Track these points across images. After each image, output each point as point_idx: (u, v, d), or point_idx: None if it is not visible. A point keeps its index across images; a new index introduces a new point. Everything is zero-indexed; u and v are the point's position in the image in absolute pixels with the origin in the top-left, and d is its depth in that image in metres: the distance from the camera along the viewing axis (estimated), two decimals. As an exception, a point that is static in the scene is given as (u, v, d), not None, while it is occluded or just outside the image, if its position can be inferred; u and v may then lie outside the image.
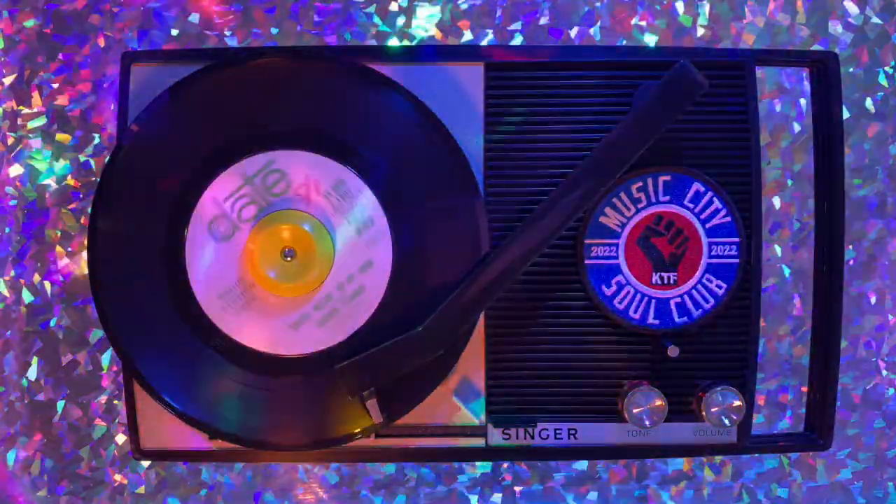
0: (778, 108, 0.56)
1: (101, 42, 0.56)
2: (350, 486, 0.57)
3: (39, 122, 0.56)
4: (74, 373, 0.56)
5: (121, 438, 0.56)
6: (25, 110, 0.56)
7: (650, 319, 0.47)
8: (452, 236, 0.44)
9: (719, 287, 0.47)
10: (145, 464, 0.56)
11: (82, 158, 0.56)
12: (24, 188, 0.56)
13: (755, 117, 0.46)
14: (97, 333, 0.56)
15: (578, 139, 0.46)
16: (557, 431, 0.48)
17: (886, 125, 0.56)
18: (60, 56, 0.56)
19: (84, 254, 0.56)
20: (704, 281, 0.47)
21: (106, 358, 0.56)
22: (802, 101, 0.56)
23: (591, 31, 0.56)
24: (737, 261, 0.46)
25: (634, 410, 0.46)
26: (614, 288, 0.47)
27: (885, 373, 0.57)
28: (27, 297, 0.56)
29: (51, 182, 0.56)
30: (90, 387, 0.56)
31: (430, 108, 0.44)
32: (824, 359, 0.48)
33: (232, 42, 0.56)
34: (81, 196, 0.56)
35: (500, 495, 0.57)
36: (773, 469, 0.57)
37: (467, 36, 0.56)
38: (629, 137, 0.43)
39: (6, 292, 0.56)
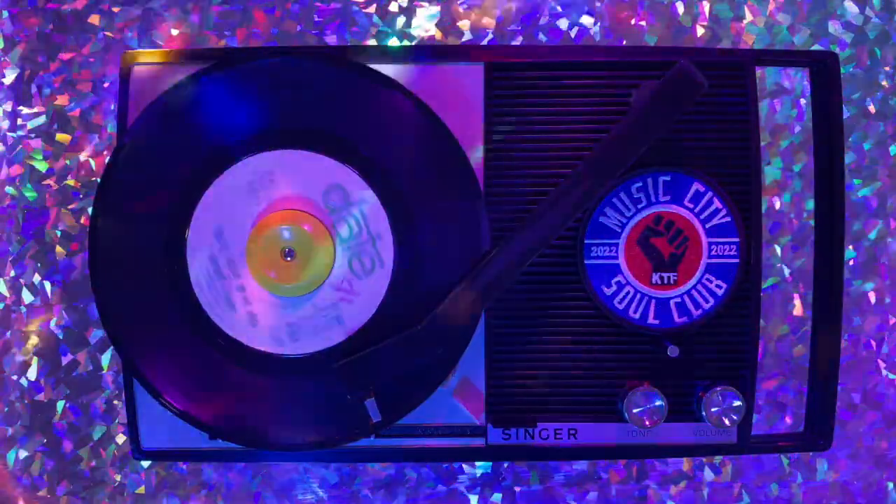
0: (778, 108, 0.56)
1: (101, 42, 0.56)
2: (350, 486, 0.57)
3: (39, 122, 0.56)
4: (74, 373, 0.56)
5: (121, 438, 0.56)
6: (25, 110, 0.56)
7: (650, 319, 0.47)
8: (453, 236, 0.44)
9: (719, 287, 0.47)
10: (145, 464, 0.56)
11: (82, 158, 0.56)
12: (24, 188, 0.56)
13: (755, 117, 0.46)
14: (97, 333, 0.56)
15: (578, 139, 0.46)
16: (557, 431, 0.48)
17: (886, 125, 0.56)
18: (60, 56, 0.56)
19: (84, 254, 0.56)
20: (704, 281, 0.47)
21: (106, 358, 0.56)
22: (802, 101, 0.56)
23: (591, 31, 0.56)
24: (737, 261, 0.46)
25: (634, 410, 0.46)
26: (614, 288, 0.47)
27: (885, 373, 0.57)
28: (27, 297, 0.56)
29: (51, 182, 0.56)
30: (90, 387, 0.56)
31: (430, 108, 0.44)
32: (824, 359, 0.48)
33: (232, 42, 0.56)
34: (81, 196, 0.56)
35: (500, 495, 0.57)
36: (773, 469, 0.57)
37: (467, 36, 0.56)
38: (629, 137, 0.43)
39: (6, 292, 0.56)
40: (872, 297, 0.56)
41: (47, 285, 0.56)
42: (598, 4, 0.56)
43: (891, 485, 0.57)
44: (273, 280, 0.43)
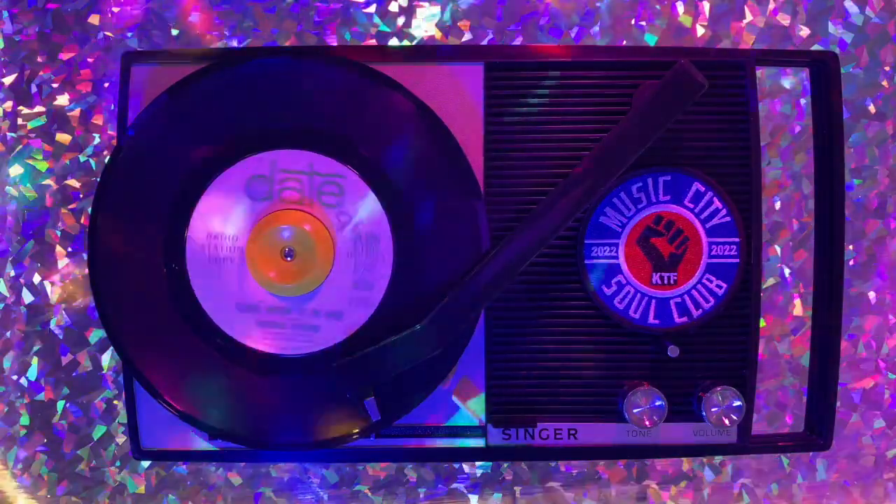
0: (778, 108, 0.56)
1: (101, 42, 0.56)
2: (350, 486, 0.57)
3: (39, 122, 0.56)
4: (74, 373, 0.56)
5: (121, 438, 0.56)
6: (25, 110, 0.56)
7: (650, 319, 0.47)
8: (452, 236, 0.44)
9: (719, 287, 0.47)
10: (145, 464, 0.56)
11: (82, 158, 0.56)
12: (24, 188, 0.56)
13: (755, 117, 0.46)
14: (97, 333, 0.56)
15: (578, 139, 0.46)
16: (557, 431, 0.48)
17: (886, 125, 0.56)
18: (60, 56, 0.56)
19: (84, 254, 0.56)
20: (704, 281, 0.47)
21: (106, 358, 0.56)
22: (802, 101, 0.56)
23: (591, 31, 0.56)
24: (737, 261, 0.46)
25: (634, 410, 0.46)
26: (614, 288, 0.47)
27: (885, 373, 0.57)
28: (27, 297, 0.56)
29: (51, 182, 0.56)
30: (90, 387, 0.56)
31: (430, 108, 0.44)
32: (824, 359, 0.48)
33: (232, 42, 0.56)
34: (81, 196, 0.56)
35: (500, 495, 0.57)
36: (773, 469, 0.57)
37: (467, 36, 0.56)
38: (629, 137, 0.43)
39: (6, 292, 0.56)
40: (872, 297, 0.56)
41: (47, 285, 0.56)
42: (597, 4, 0.56)
43: (891, 485, 0.57)
44: (273, 280, 0.43)
